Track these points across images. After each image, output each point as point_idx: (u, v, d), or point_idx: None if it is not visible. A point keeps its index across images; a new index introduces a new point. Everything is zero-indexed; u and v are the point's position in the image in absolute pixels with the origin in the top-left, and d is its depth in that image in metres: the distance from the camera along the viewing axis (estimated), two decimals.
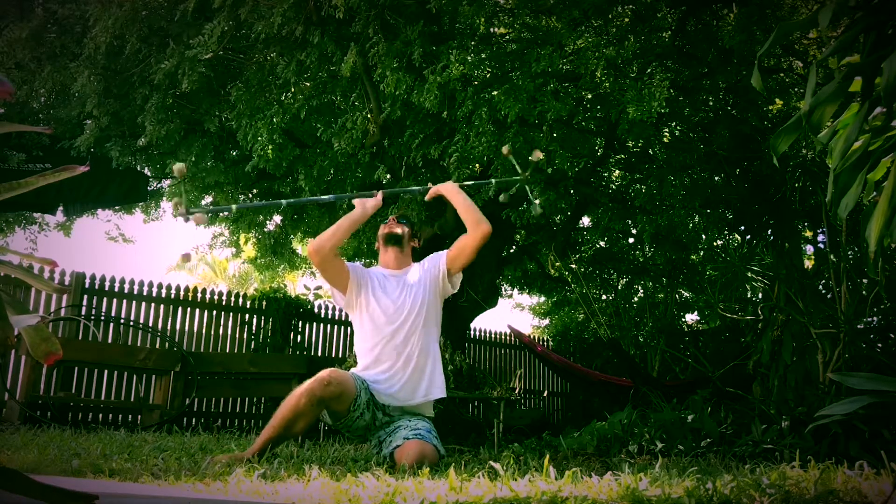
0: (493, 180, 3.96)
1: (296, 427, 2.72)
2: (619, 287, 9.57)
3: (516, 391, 6.80)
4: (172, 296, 7.09)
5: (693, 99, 6.43)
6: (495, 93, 4.97)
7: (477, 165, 6.14)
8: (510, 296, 10.89)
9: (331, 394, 2.72)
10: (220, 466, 2.35)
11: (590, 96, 6.00)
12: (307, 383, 2.73)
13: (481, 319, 8.12)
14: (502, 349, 9.67)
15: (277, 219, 8.45)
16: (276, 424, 2.72)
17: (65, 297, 6.43)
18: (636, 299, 9.50)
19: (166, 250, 55.99)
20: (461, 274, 3.20)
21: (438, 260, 3.17)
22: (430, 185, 3.37)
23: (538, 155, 3.37)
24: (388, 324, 2.99)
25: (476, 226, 3.07)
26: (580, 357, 9.54)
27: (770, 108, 7.01)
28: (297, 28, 5.04)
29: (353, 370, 3.06)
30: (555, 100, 4.90)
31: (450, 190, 3.23)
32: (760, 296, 5.39)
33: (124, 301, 6.80)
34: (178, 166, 2.85)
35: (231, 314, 7.43)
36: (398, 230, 3.23)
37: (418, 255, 3.38)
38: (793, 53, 6.67)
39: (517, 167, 3.49)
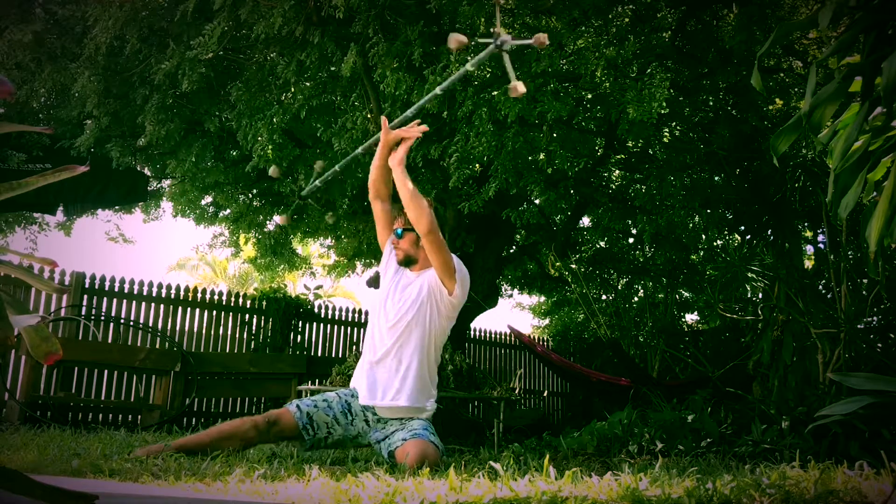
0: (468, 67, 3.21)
1: (228, 443, 2.79)
2: (619, 287, 9.57)
3: (516, 391, 6.79)
4: (172, 296, 7.09)
5: (693, 99, 6.43)
6: (495, 93, 4.97)
7: (477, 165, 6.15)
8: (510, 296, 10.89)
9: (273, 433, 2.87)
10: (142, 454, 2.52)
11: (590, 96, 6.00)
12: (259, 416, 2.88)
13: (481, 319, 8.13)
14: (502, 349, 9.67)
15: (277, 219, 8.44)
16: (211, 434, 2.83)
17: (65, 297, 6.43)
18: (636, 299, 9.49)
19: (166, 250, 56.01)
20: (462, 284, 3.06)
21: (436, 278, 3.07)
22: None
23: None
24: (385, 317, 3.04)
25: (415, 223, 2.92)
26: (580, 357, 9.54)
27: (770, 108, 7.00)
28: (298, 28, 5.04)
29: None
30: (555, 100, 4.90)
31: (398, 171, 2.98)
32: (760, 296, 5.40)
33: (124, 301, 6.80)
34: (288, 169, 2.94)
35: (231, 314, 7.43)
36: (400, 255, 3.15)
37: None
38: (793, 53, 6.67)
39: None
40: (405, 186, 2.92)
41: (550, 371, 9.54)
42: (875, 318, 4.75)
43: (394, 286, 3.12)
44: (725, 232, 8.16)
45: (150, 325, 6.87)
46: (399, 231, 3.15)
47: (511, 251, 8.48)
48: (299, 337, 7.72)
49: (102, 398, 6.39)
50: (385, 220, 3.20)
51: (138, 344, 6.73)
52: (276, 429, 2.85)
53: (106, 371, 6.40)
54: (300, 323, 7.76)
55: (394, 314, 3.02)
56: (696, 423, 3.84)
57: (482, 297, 6.93)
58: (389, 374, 2.97)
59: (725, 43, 5.49)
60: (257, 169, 6.09)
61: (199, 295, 7.31)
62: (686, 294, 9.46)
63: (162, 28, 5.67)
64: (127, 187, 7.44)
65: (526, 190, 5.94)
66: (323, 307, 8.04)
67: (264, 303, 7.59)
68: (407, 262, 3.16)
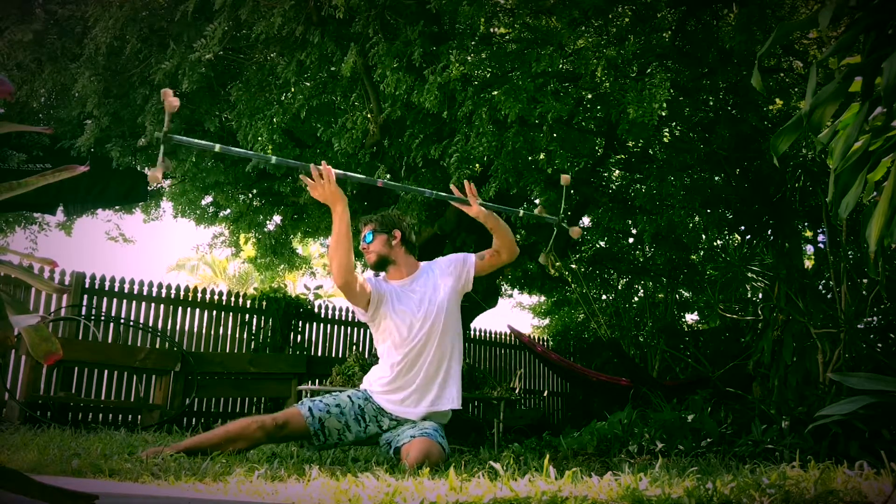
0: (521, 211, 3.51)
1: (234, 445, 2.76)
2: (619, 287, 9.57)
3: (516, 391, 6.79)
4: (172, 296, 7.09)
5: (693, 99, 6.42)
6: (495, 93, 4.97)
7: (477, 165, 6.15)
8: (510, 296, 10.90)
9: (281, 435, 2.84)
10: (150, 455, 2.50)
11: (590, 96, 6.00)
12: (267, 416, 2.83)
13: (481, 319, 8.12)
14: (502, 349, 9.67)
15: (277, 219, 8.45)
16: (219, 434, 2.78)
17: (65, 297, 6.43)
18: (636, 299, 9.49)
19: (166, 250, 56.00)
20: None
21: (464, 267, 3.06)
22: (457, 191, 3.01)
23: (566, 179, 3.25)
24: (408, 339, 2.94)
25: (511, 248, 3.04)
26: (580, 357, 9.54)
27: (770, 108, 7.00)
28: (298, 28, 5.04)
29: (366, 378, 3.08)
30: (555, 100, 4.90)
31: (487, 217, 3.00)
32: (760, 296, 5.39)
33: (124, 301, 6.80)
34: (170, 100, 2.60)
35: (231, 314, 7.43)
36: (372, 257, 3.08)
37: (423, 251, 3.29)
38: (793, 53, 6.66)
39: (561, 206, 3.26)
40: (501, 224, 3.04)
41: (550, 371, 9.54)
42: (875, 318, 4.75)
43: (405, 304, 2.97)
44: (725, 232, 8.15)
45: (150, 325, 6.87)
46: (369, 235, 3.06)
47: None
48: (299, 337, 7.72)
49: (102, 398, 6.39)
50: (363, 288, 2.93)
51: (138, 344, 6.73)
52: (284, 431, 2.82)
53: (106, 371, 6.40)
54: (300, 323, 7.76)
55: (423, 328, 2.93)
56: (696, 423, 3.84)
57: (482, 297, 6.92)
58: (428, 384, 2.92)
59: (725, 43, 5.48)
60: (257, 169, 6.09)
61: (199, 295, 7.31)
62: (686, 294, 9.46)
63: (162, 28, 5.67)
64: (127, 187, 7.44)
65: (526, 190, 5.94)
66: (323, 307, 8.03)
67: (264, 303, 7.59)
68: (382, 264, 3.07)
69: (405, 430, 2.88)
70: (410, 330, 2.94)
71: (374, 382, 3.00)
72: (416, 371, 2.93)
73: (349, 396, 2.98)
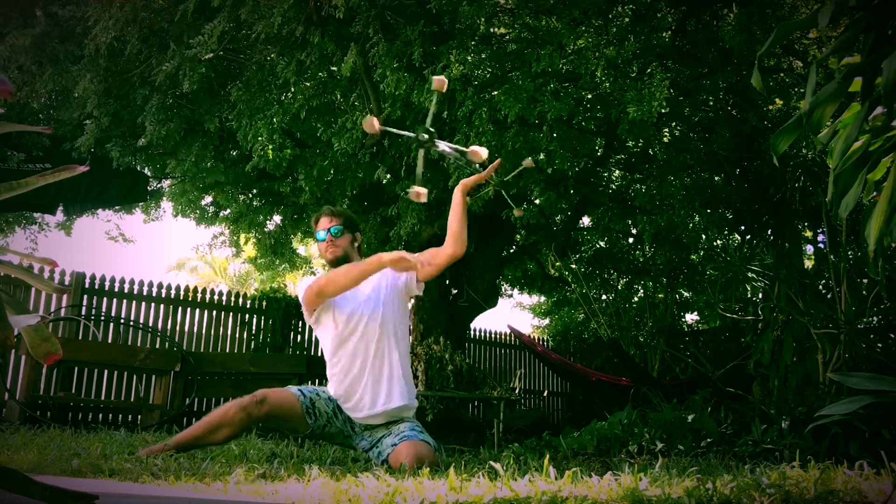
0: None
1: (218, 434, 2.72)
2: (619, 287, 9.57)
3: (516, 391, 6.80)
4: (172, 296, 7.09)
5: (693, 99, 6.43)
6: (495, 93, 4.97)
7: (477, 165, 6.14)
8: (510, 296, 10.90)
9: (263, 412, 2.74)
10: (143, 454, 2.50)
11: (590, 96, 6.00)
12: (245, 397, 2.75)
13: (481, 319, 8.13)
14: (502, 349, 9.67)
15: (277, 219, 8.45)
16: (202, 425, 2.74)
17: (65, 297, 6.43)
18: (636, 299, 9.50)
19: (166, 250, 55.98)
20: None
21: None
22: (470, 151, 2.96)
23: (529, 162, 3.15)
24: (345, 336, 2.90)
25: (457, 244, 2.97)
26: (580, 357, 9.54)
27: (770, 108, 7.01)
28: (298, 28, 5.04)
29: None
30: (555, 100, 4.90)
31: (460, 200, 2.99)
32: (760, 296, 5.39)
33: (124, 301, 6.80)
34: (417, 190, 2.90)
35: (231, 314, 7.43)
36: (338, 252, 3.01)
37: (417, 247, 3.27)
38: (793, 53, 6.67)
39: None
40: (464, 213, 3.07)
41: (550, 371, 9.54)
42: (875, 318, 4.75)
43: (346, 301, 2.93)
44: (725, 232, 8.16)
45: (150, 325, 6.87)
46: (337, 229, 3.00)
47: (511, 251, 8.48)
48: (299, 337, 7.72)
49: (102, 398, 6.39)
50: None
51: (138, 344, 6.73)
52: (265, 408, 2.73)
53: (106, 371, 6.40)
54: (300, 323, 7.75)
55: (360, 325, 2.89)
56: (696, 423, 3.84)
57: (482, 298, 6.92)
58: (376, 382, 2.86)
59: (725, 43, 5.49)
60: (257, 169, 6.09)
61: (199, 295, 7.31)
62: (686, 294, 9.47)
63: (162, 28, 5.67)
64: (127, 187, 7.44)
65: (526, 190, 5.94)
66: None
67: (264, 303, 7.59)
68: (342, 261, 3.00)
69: (384, 440, 2.82)
70: (347, 325, 2.89)
71: (332, 391, 2.96)
72: (357, 372, 2.87)
73: (326, 391, 2.97)
